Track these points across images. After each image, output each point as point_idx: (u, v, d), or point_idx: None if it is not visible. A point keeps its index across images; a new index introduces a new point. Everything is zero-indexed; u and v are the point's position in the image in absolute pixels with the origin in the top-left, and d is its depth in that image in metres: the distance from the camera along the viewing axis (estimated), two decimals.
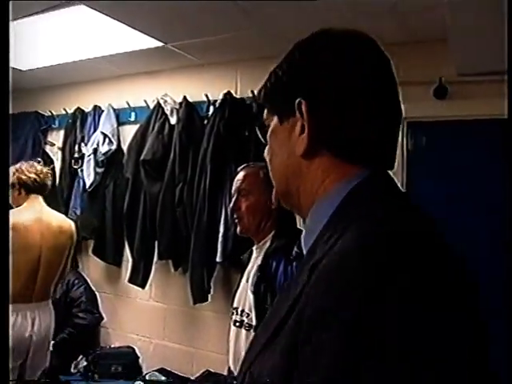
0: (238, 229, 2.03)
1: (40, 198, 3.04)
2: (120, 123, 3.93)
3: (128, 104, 3.89)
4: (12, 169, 3.02)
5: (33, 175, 3.00)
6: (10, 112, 4.27)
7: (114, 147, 3.80)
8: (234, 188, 2.05)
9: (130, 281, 3.65)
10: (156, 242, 3.56)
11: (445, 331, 0.60)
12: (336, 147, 0.75)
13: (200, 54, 3.44)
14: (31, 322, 2.92)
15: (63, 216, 3.24)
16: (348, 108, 0.74)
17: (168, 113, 3.55)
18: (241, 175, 2.03)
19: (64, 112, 4.27)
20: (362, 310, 0.59)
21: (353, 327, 0.59)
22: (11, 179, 2.96)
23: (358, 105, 0.74)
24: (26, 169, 3.03)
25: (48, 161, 4.26)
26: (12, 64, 3.80)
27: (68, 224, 3.13)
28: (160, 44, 3.24)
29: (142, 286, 3.61)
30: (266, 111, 0.85)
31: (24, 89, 4.45)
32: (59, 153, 4.23)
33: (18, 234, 2.82)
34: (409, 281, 0.60)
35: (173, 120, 3.53)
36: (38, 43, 3.37)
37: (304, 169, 0.77)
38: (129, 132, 3.85)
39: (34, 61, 3.77)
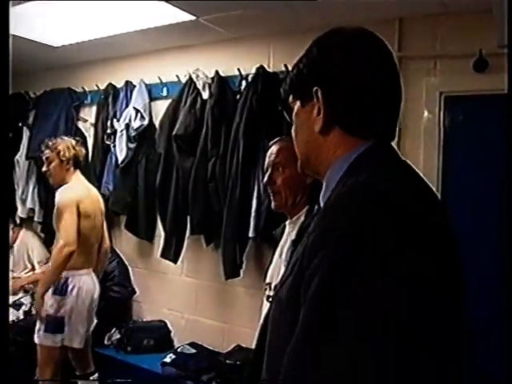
0: (273, 203, 2.00)
1: (79, 172, 3.27)
2: (152, 98, 3.91)
3: (160, 79, 3.87)
4: (63, 145, 3.17)
5: (75, 150, 3.20)
6: (45, 89, 4.34)
7: (146, 122, 3.79)
8: (267, 162, 2.01)
9: (163, 256, 3.67)
10: (188, 217, 3.56)
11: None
12: (346, 125, 0.94)
13: (232, 27, 3.39)
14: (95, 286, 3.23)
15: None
16: (355, 94, 0.93)
17: (200, 88, 3.52)
18: (275, 149, 1.99)
19: (96, 88, 4.28)
20: (345, 239, 0.76)
21: (337, 253, 0.75)
22: (67, 155, 3.15)
23: (363, 91, 0.93)
24: (75, 144, 3.21)
25: (81, 137, 4.29)
26: (45, 41, 3.82)
27: (99, 196, 3.41)
28: (192, 18, 3.19)
29: (174, 260, 3.63)
30: (291, 96, 1.03)
31: (57, 65, 4.49)
32: (92, 129, 4.26)
33: (83, 206, 3.10)
34: (389, 227, 0.75)
35: (205, 95, 3.50)
36: (70, 19, 3.36)
37: (321, 142, 0.96)
38: (161, 107, 3.83)
39: (66, 37, 3.76)
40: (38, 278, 4.34)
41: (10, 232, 4.48)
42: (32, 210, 4.59)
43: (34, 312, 4.09)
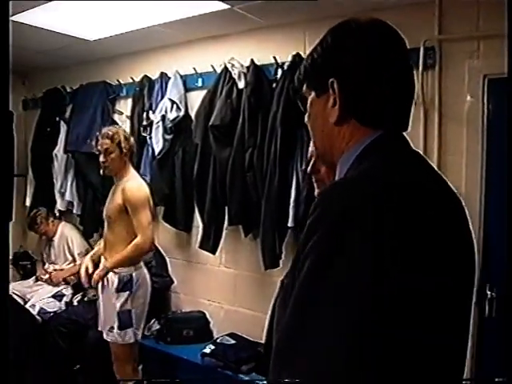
0: (317, 191, 1.97)
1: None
2: (187, 89, 3.90)
3: (195, 70, 3.86)
4: (123, 135, 3.20)
5: (131, 143, 3.23)
6: (81, 83, 4.37)
7: (181, 113, 3.78)
8: (311, 151, 1.98)
9: (201, 247, 3.68)
10: (226, 208, 3.55)
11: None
12: (360, 116, 0.95)
13: (267, 15, 3.34)
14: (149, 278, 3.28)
15: None
16: (370, 85, 0.94)
17: (236, 77, 3.49)
18: None
19: (131, 80, 4.30)
20: (337, 223, 0.80)
21: (329, 236, 0.79)
22: (127, 146, 3.16)
23: (378, 82, 0.94)
24: (127, 136, 3.24)
25: None
26: (80, 35, 3.85)
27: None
28: (226, 7, 3.16)
29: (213, 251, 3.63)
30: (305, 86, 1.04)
31: (92, 59, 4.52)
32: (127, 121, 4.27)
33: (148, 198, 3.16)
34: (381, 211, 0.79)
35: (241, 84, 3.47)
36: (105, 12, 3.37)
37: (335, 133, 0.98)
38: (196, 98, 3.82)
39: (100, 31, 3.79)
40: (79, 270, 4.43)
41: (50, 225, 4.56)
42: (71, 203, 4.65)
43: (75, 303, 4.16)
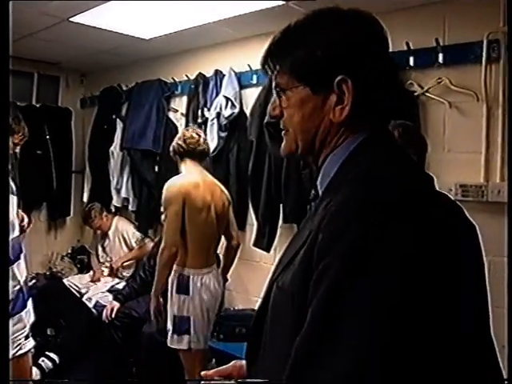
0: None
1: (196, 163, 3.07)
2: (242, 86, 3.88)
3: (249, 67, 3.83)
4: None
5: (180, 141, 3.05)
6: (136, 81, 4.44)
7: (236, 110, 3.78)
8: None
9: (255, 245, 3.66)
10: (281, 206, 3.52)
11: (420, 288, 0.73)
12: (367, 114, 0.90)
13: None
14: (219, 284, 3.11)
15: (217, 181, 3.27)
16: (381, 83, 0.90)
17: None
18: None
19: (186, 78, 4.32)
20: (360, 241, 0.74)
21: (351, 254, 0.74)
22: (176, 144, 3.07)
23: (386, 80, 0.91)
24: (179, 135, 3.12)
25: (172, 127, 4.36)
26: (135, 34, 3.90)
27: (223, 188, 3.23)
28: (281, 3, 3.13)
29: (267, 249, 3.61)
30: (286, 76, 0.93)
31: (147, 57, 4.58)
32: (183, 119, 4.30)
33: (191, 198, 2.93)
34: (404, 229, 0.75)
35: None
36: (159, 11, 3.40)
37: (331, 130, 0.91)
38: (251, 95, 3.80)
39: (155, 29, 3.82)
40: (137, 255, 4.51)
41: (104, 219, 4.65)
42: (126, 199, 4.73)
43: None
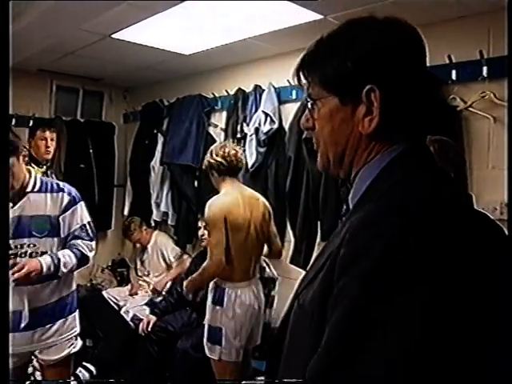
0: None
1: (234, 179, 3.00)
2: (281, 102, 3.87)
3: (289, 82, 3.81)
4: (212, 151, 3.01)
5: (219, 158, 2.94)
6: (177, 96, 4.49)
7: (275, 126, 3.76)
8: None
9: (292, 262, 3.61)
10: (319, 223, 3.47)
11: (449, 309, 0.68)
12: (397, 127, 0.86)
13: None
14: (257, 298, 3.04)
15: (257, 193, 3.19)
16: (411, 94, 0.86)
17: None
18: None
19: (226, 93, 4.34)
20: (380, 263, 0.71)
21: (370, 276, 0.71)
22: (213, 161, 2.95)
23: (417, 91, 0.87)
24: (215, 151, 2.98)
25: (212, 142, 4.38)
26: (176, 49, 3.95)
27: (263, 200, 3.13)
28: (319, 17, 3.10)
29: (304, 267, 3.54)
30: (317, 87, 0.91)
31: (188, 73, 4.63)
32: (222, 134, 4.31)
33: (233, 218, 2.87)
34: (427, 251, 0.70)
35: None
36: (199, 27, 3.43)
37: (361, 143, 0.88)
38: (290, 110, 3.78)
39: (196, 45, 3.86)
40: (178, 272, 4.52)
41: (144, 232, 4.70)
42: (166, 213, 4.77)
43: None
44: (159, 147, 4.78)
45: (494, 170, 2.81)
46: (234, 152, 2.98)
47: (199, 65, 4.35)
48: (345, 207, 0.99)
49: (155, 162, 4.80)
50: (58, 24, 3.15)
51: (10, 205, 2.42)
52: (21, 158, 2.41)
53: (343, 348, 0.71)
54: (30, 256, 2.43)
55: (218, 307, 2.94)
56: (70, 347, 2.64)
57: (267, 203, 3.13)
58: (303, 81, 0.96)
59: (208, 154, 3.02)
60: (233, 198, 2.93)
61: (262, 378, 3.02)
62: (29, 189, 2.47)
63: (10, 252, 2.40)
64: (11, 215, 2.40)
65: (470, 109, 2.89)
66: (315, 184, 3.42)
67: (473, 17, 2.88)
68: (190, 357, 3.50)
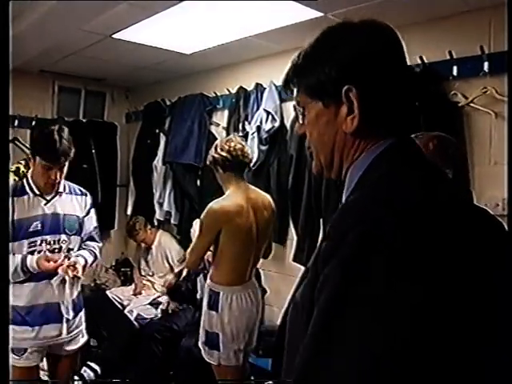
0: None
1: (239, 177, 2.86)
2: (282, 100, 3.86)
3: None
4: (213, 145, 2.91)
5: (225, 153, 2.79)
6: (179, 95, 4.49)
7: (277, 124, 3.75)
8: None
9: (295, 260, 3.61)
10: (321, 220, 3.46)
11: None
12: (377, 124, 0.90)
13: None
14: (253, 300, 2.96)
15: (263, 192, 3.08)
16: (389, 92, 0.90)
17: None
18: None
19: (227, 92, 4.34)
20: (358, 249, 0.73)
21: (350, 262, 0.73)
22: (215, 156, 2.83)
23: (395, 89, 0.91)
24: (220, 146, 2.85)
25: (213, 141, 4.38)
26: (178, 49, 3.95)
27: (268, 199, 3.00)
28: (319, 14, 3.09)
29: (306, 264, 3.54)
30: (301, 95, 0.97)
31: (189, 72, 4.63)
32: (224, 132, 4.31)
33: (235, 224, 2.76)
34: (403, 240, 0.72)
35: None
36: (199, 26, 3.43)
37: (346, 142, 0.93)
38: (292, 108, 3.73)
39: (196, 44, 3.86)
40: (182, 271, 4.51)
41: (148, 232, 4.70)
42: (169, 212, 4.77)
43: (170, 311, 4.25)
44: (161, 147, 4.79)
45: (496, 166, 2.81)
46: (240, 146, 2.83)
47: (200, 64, 4.35)
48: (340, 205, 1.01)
49: (157, 162, 4.81)
50: (59, 25, 3.15)
51: (43, 202, 2.60)
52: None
53: (324, 338, 0.73)
54: (59, 251, 2.63)
55: (213, 312, 2.85)
56: (82, 339, 2.88)
57: (272, 203, 3.00)
58: (290, 90, 1.04)
59: (212, 149, 2.87)
60: (236, 205, 2.78)
61: (271, 382, 3.00)
62: (60, 189, 2.69)
63: (44, 246, 2.58)
64: (46, 212, 2.60)
65: (472, 104, 2.88)
66: (317, 182, 3.41)
67: (473, 12, 2.87)
68: (193, 354, 3.51)
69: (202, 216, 2.81)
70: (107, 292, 4.61)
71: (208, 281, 2.96)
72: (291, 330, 0.94)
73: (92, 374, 3.82)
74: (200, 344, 2.95)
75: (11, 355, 2.50)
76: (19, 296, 2.54)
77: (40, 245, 2.57)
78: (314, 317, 0.76)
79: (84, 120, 5.16)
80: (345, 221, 0.81)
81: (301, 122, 1.01)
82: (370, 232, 0.74)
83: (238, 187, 2.84)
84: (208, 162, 2.94)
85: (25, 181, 2.65)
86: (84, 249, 2.81)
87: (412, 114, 0.97)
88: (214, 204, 2.77)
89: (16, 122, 4.63)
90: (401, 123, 0.93)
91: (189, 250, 2.93)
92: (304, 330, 0.80)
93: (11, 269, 2.44)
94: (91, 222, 2.87)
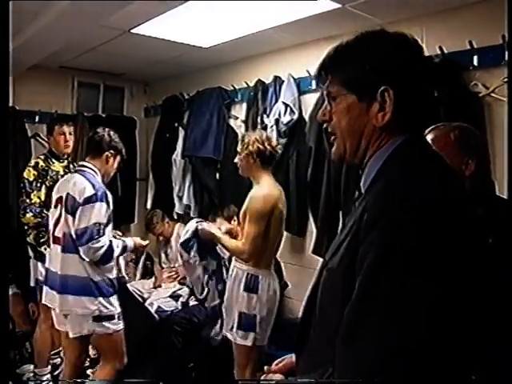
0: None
1: (270, 172, 3.08)
2: (301, 92, 3.85)
3: (308, 72, 3.80)
4: (252, 137, 3.03)
5: (266, 145, 2.99)
6: (197, 89, 4.51)
7: (295, 117, 3.75)
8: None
9: (314, 252, 3.60)
10: (341, 213, 3.45)
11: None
12: (406, 121, 1.04)
13: (381, 12, 3.18)
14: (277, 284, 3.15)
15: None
16: (417, 95, 1.04)
17: None
18: (429, 138, 1.83)
19: (245, 85, 4.34)
20: (393, 229, 0.86)
21: (400, 226, 0.86)
22: (251, 148, 2.99)
23: (423, 92, 1.06)
24: (261, 139, 3.02)
25: (233, 134, 4.39)
26: (195, 43, 3.95)
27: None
28: (338, 6, 3.07)
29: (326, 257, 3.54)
30: (337, 86, 1.08)
31: (207, 66, 4.64)
32: (242, 126, 4.31)
33: (278, 212, 2.98)
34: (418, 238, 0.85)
35: None
36: (217, 20, 3.43)
37: (374, 134, 1.05)
38: (310, 101, 3.77)
39: (214, 37, 3.87)
40: None
41: (166, 225, 4.73)
42: (188, 206, 4.79)
43: (191, 303, 4.27)
44: (180, 140, 4.81)
45: None
46: (274, 142, 3.11)
47: (218, 57, 4.36)
48: (357, 193, 1.17)
49: (177, 155, 4.83)
50: (77, 21, 3.17)
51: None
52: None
53: (371, 299, 0.86)
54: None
55: (252, 294, 3.00)
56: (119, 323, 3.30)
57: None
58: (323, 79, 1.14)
59: (253, 141, 3.00)
60: (277, 192, 3.03)
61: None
62: None
63: (112, 234, 3.11)
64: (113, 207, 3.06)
65: (492, 95, 2.84)
66: (337, 174, 3.40)
67: (494, 0, 2.82)
68: (213, 346, 3.54)
69: (250, 205, 2.95)
70: (128, 285, 4.65)
71: (242, 265, 3.06)
72: (325, 297, 1.05)
73: None
74: (228, 329, 3.08)
75: (115, 321, 3.14)
76: (111, 270, 3.08)
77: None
78: (359, 279, 0.88)
79: (103, 115, 5.20)
80: (384, 201, 0.94)
81: (328, 109, 1.11)
82: (407, 216, 0.87)
83: (270, 178, 3.06)
84: (248, 152, 3.01)
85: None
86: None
87: (432, 110, 1.12)
88: (259, 191, 2.99)
89: (37, 118, 4.68)
90: (422, 120, 1.09)
91: (243, 240, 2.98)
92: (343, 293, 0.92)
93: (119, 249, 3.04)
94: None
